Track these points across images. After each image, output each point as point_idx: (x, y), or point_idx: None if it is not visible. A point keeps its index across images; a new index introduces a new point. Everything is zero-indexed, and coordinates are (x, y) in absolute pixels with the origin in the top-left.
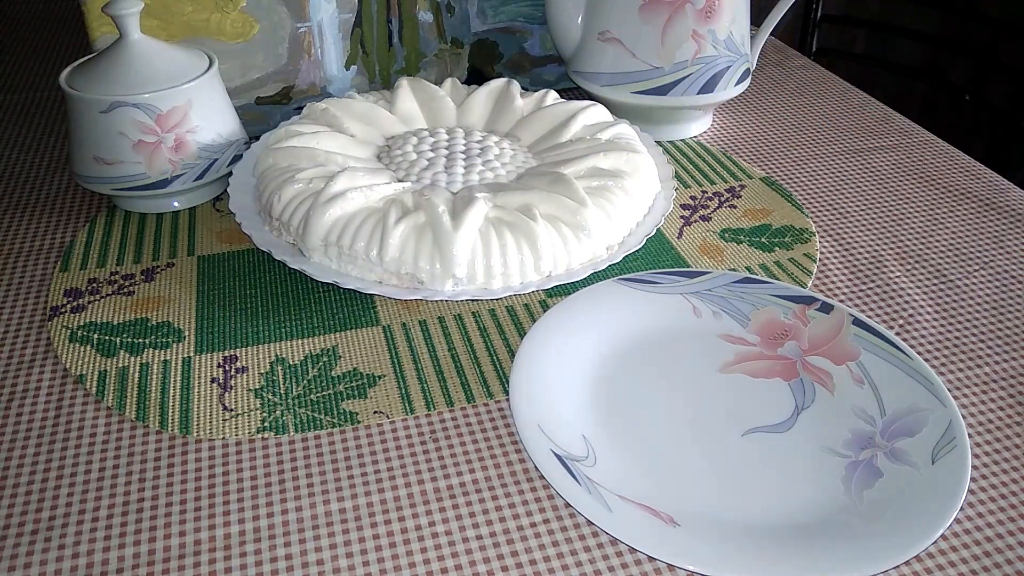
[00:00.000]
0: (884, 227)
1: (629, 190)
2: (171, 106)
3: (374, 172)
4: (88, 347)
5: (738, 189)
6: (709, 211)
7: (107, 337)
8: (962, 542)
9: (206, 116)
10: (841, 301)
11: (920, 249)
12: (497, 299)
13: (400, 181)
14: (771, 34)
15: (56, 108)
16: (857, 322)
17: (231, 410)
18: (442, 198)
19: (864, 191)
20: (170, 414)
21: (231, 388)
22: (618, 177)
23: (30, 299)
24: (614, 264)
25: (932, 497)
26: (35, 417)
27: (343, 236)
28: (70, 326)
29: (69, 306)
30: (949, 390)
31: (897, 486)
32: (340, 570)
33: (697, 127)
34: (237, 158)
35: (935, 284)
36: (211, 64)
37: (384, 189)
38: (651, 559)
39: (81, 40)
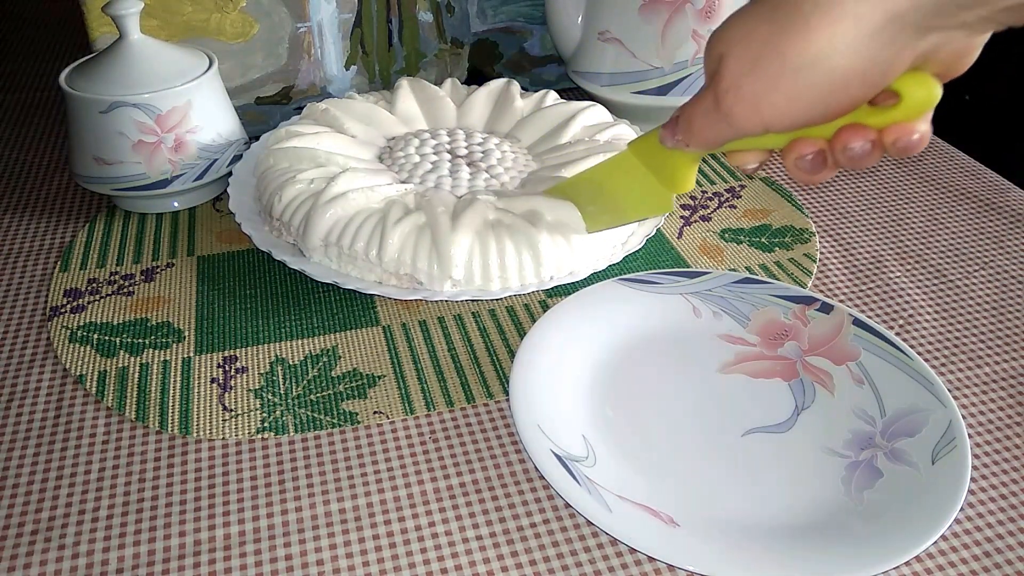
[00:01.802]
0: (884, 227)
1: None
2: (171, 106)
3: (375, 173)
4: (88, 347)
5: (738, 189)
6: (709, 211)
7: (107, 337)
8: (962, 542)
9: (206, 116)
10: (841, 301)
11: (920, 249)
12: (497, 299)
13: (403, 183)
14: None
15: (56, 108)
16: (857, 322)
17: (231, 410)
18: (444, 200)
19: (864, 191)
20: (170, 414)
21: (231, 388)
22: None
23: (30, 299)
24: (614, 264)
25: (932, 497)
26: (35, 417)
27: (343, 236)
28: (70, 326)
29: (69, 306)
30: (949, 390)
31: (897, 486)
32: (340, 570)
33: None
34: (237, 158)
35: (935, 284)
36: (211, 64)
37: (386, 190)
38: (651, 559)
39: (81, 40)
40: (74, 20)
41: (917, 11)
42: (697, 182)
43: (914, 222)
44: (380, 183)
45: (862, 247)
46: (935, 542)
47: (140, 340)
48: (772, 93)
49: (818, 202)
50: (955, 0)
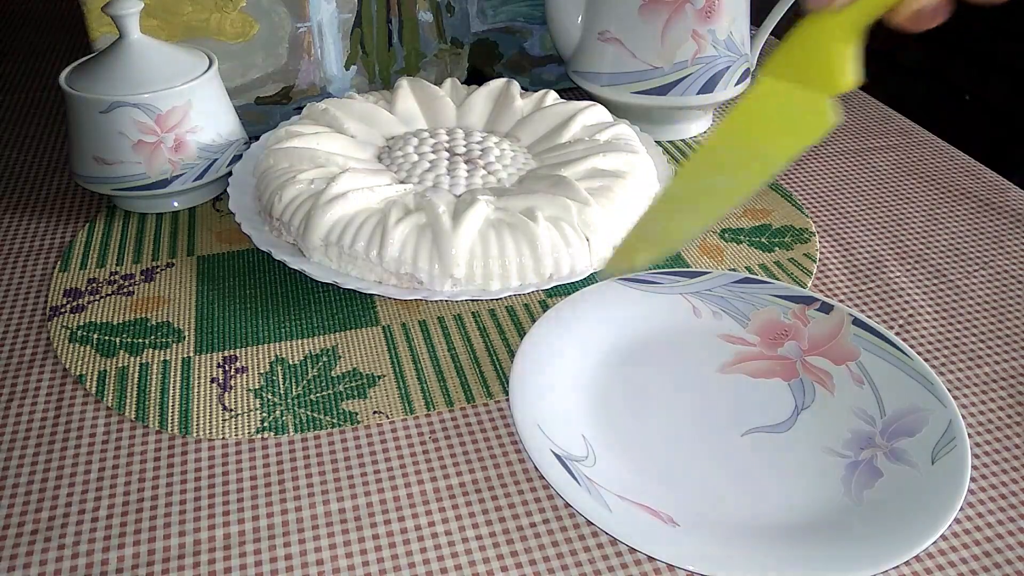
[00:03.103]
0: (884, 227)
1: (629, 190)
2: (171, 106)
3: (375, 173)
4: (88, 347)
5: None
6: None
7: (107, 337)
8: (962, 542)
9: (206, 116)
10: (841, 301)
11: (920, 249)
12: (497, 299)
13: (402, 183)
14: (771, 34)
15: (56, 108)
16: (857, 322)
17: (231, 410)
18: (444, 199)
19: (864, 191)
20: (170, 414)
21: (231, 388)
22: (618, 177)
23: (30, 299)
24: None
25: (932, 497)
26: (35, 417)
27: (344, 236)
28: (70, 326)
29: (69, 306)
30: (949, 390)
31: (897, 486)
32: (340, 570)
33: (697, 127)
34: (237, 158)
35: (935, 284)
36: (211, 64)
37: (386, 190)
38: (651, 559)
39: (81, 40)
40: (74, 20)
41: None
42: None
43: (914, 222)
44: (380, 183)
45: (862, 247)
46: (935, 542)
47: (140, 340)
48: None
49: (818, 202)
50: None
